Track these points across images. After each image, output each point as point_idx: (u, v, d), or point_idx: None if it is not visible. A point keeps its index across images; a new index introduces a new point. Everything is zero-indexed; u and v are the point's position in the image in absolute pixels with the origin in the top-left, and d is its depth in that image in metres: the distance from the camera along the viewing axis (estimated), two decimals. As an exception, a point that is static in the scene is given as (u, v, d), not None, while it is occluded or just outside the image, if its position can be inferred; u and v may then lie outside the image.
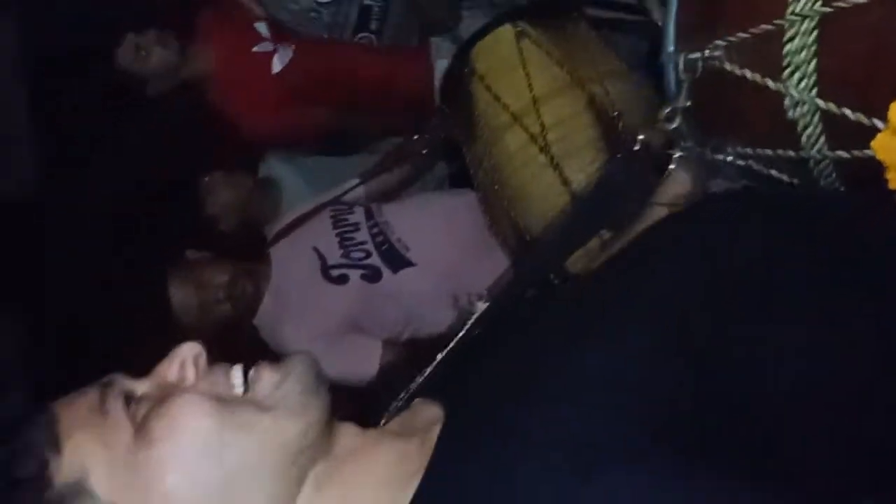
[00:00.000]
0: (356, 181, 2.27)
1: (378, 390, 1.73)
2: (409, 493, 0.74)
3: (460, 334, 0.94)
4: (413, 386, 0.91)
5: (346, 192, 2.24)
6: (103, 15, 2.31)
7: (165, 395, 0.79)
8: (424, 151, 2.24)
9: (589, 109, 1.65)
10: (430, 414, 0.83)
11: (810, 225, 0.88)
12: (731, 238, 0.85)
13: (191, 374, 0.82)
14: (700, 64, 1.06)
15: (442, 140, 2.13)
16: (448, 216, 2.11)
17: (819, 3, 0.97)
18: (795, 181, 1.08)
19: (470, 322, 0.94)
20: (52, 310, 2.51)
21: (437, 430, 0.79)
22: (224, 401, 0.79)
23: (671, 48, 1.09)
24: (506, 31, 1.74)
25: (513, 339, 0.87)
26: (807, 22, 0.98)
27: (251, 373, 0.82)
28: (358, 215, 2.17)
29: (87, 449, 0.75)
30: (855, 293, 0.76)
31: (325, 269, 2.08)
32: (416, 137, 2.26)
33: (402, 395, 0.91)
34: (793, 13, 0.98)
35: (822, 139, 1.03)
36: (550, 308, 0.89)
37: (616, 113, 1.63)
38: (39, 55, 2.53)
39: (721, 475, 0.65)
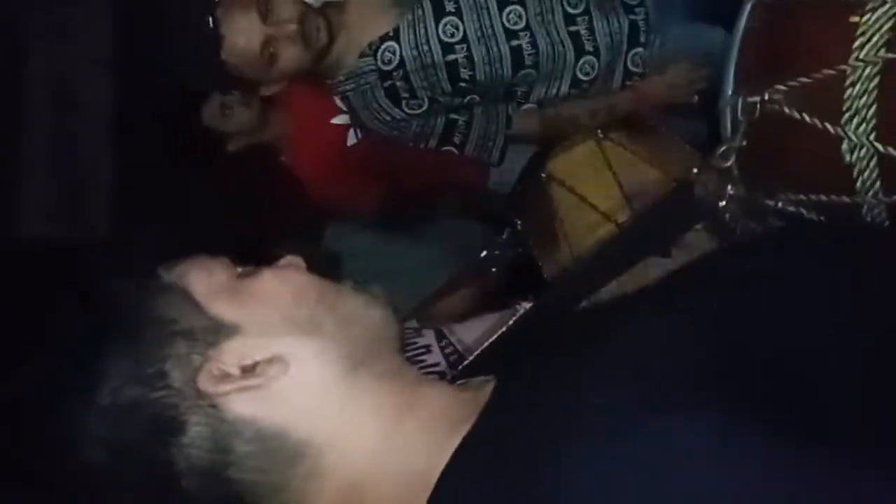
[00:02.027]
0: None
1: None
2: (456, 440, 0.74)
3: (503, 329, 0.97)
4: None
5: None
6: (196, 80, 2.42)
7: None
8: (494, 269, 2.22)
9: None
10: (482, 381, 0.85)
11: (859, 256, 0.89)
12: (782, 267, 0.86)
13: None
14: (758, 107, 1.10)
15: (514, 256, 2.11)
16: None
17: (883, 50, 1.01)
18: (846, 228, 1.10)
19: (514, 319, 0.96)
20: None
21: (489, 387, 0.80)
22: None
23: (730, 92, 1.14)
24: (586, 136, 1.78)
25: (563, 328, 0.89)
26: (870, 67, 1.02)
27: None
28: (428, 338, 2.13)
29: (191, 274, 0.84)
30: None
31: None
32: (483, 254, 2.25)
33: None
34: (857, 59, 1.03)
35: (878, 184, 1.06)
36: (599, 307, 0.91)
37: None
38: (130, 111, 2.68)
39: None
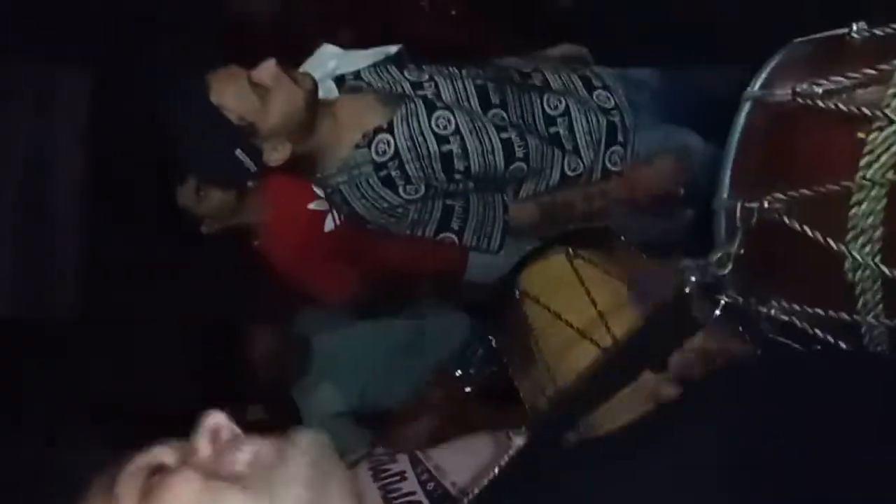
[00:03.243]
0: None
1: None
2: None
3: (498, 468, 0.91)
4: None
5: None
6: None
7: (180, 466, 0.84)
8: (468, 389, 2.18)
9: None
10: None
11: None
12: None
13: (204, 447, 0.86)
14: (756, 214, 1.07)
15: (488, 376, 2.08)
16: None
17: (891, 172, 0.98)
18: (842, 344, 1.06)
19: (509, 455, 0.91)
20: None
21: None
22: (216, 479, 0.82)
23: (725, 195, 1.11)
24: (557, 254, 1.76)
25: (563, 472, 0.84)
26: (878, 188, 0.99)
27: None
28: (402, 463, 2.06)
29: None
30: None
31: None
32: (458, 374, 2.22)
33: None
34: (863, 178, 0.99)
35: (881, 307, 1.02)
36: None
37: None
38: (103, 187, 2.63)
39: None
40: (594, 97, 2.12)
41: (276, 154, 1.94)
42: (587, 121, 2.07)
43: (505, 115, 2.03)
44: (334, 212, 2.55)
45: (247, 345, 2.48)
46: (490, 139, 2.00)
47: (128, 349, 2.62)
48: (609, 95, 2.12)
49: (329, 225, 2.54)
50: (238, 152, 1.91)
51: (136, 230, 2.49)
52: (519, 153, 2.01)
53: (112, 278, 2.59)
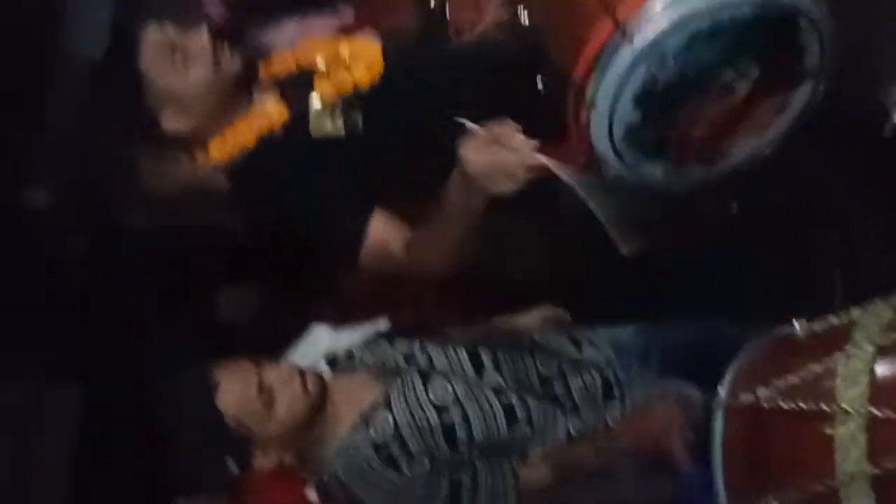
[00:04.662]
0: None
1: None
2: None
3: None
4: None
5: None
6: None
7: None
8: None
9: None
10: None
11: None
12: None
13: None
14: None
15: None
16: None
17: (867, 465, 1.01)
18: None
19: None
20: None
21: None
22: None
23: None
24: None
25: None
26: (859, 483, 1.03)
27: None
28: None
29: None
30: None
31: None
32: None
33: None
34: (844, 472, 1.04)
35: None
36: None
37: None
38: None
39: None
40: (584, 354, 2.16)
41: (267, 461, 1.96)
42: (581, 379, 2.09)
43: (500, 377, 2.03)
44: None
45: None
46: (490, 404, 1.99)
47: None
48: (598, 352, 2.15)
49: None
50: (228, 460, 1.92)
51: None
52: (520, 414, 1.99)
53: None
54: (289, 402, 1.93)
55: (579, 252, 2.33)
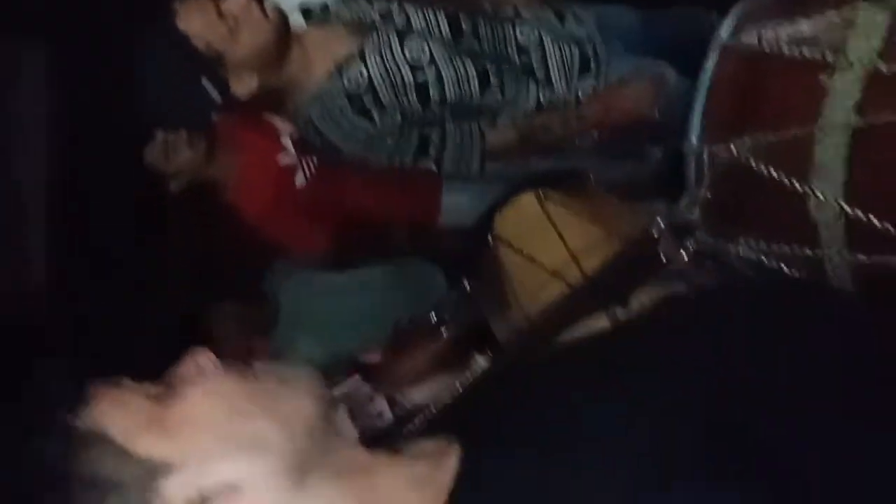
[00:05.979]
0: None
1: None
2: None
3: (460, 385, 0.94)
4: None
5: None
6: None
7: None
8: (444, 334, 2.18)
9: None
10: (439, 443, 0.81)
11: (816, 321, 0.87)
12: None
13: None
14: (724, 158, 1.10)
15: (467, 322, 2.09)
16: None
17: (853, 113, 1.02)
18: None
19: (471, 374, 0.93)
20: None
21: (452, 455, 0.77)
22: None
23: (694, 140, 1.14)
24: (528, 197, 1.79)
25: (525, 387, 0.85)
26: (839, 131, 1.03)
27: None
28: (380, 404, 2.09)
29: (106, 415, 0.75)
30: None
31: None
32: (434, 319, 2.22)
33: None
34: (827, 121, 1.03)
35: (843, 242, 1.06)
36: (575, 354, 0.88)
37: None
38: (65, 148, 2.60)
39: None
40: (566, 28, 2.12)
41: (244, 86, 1.93)
42: (559, 51, 2.06)
43: (478, 43, 2.02)
44: (304, 166, 2.56)
45: (209, 327, 2.47)
46: (465, 67, 1.99)
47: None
48: (581, 27, 2.11)
49: (300, 180, 2.55)
50: (204, 81, 1.88)
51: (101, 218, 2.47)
52: (494, 80, 2.01)
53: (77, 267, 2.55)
54: (251, 26, 1.90)
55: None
